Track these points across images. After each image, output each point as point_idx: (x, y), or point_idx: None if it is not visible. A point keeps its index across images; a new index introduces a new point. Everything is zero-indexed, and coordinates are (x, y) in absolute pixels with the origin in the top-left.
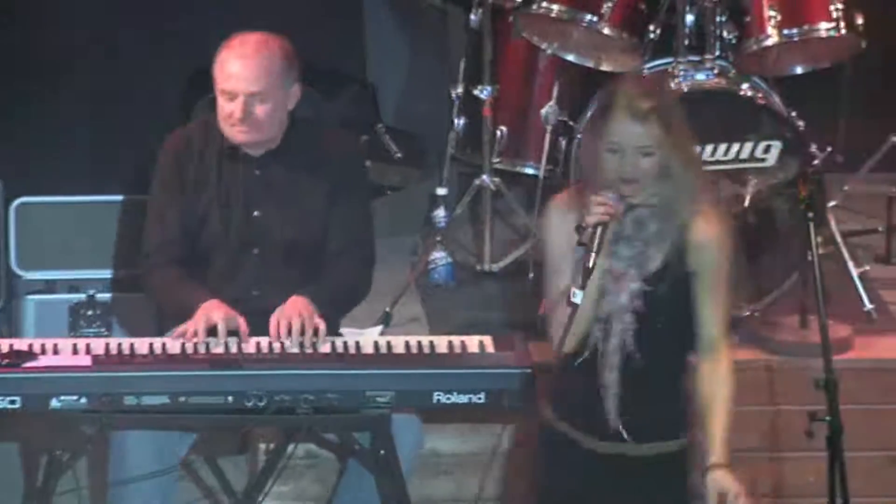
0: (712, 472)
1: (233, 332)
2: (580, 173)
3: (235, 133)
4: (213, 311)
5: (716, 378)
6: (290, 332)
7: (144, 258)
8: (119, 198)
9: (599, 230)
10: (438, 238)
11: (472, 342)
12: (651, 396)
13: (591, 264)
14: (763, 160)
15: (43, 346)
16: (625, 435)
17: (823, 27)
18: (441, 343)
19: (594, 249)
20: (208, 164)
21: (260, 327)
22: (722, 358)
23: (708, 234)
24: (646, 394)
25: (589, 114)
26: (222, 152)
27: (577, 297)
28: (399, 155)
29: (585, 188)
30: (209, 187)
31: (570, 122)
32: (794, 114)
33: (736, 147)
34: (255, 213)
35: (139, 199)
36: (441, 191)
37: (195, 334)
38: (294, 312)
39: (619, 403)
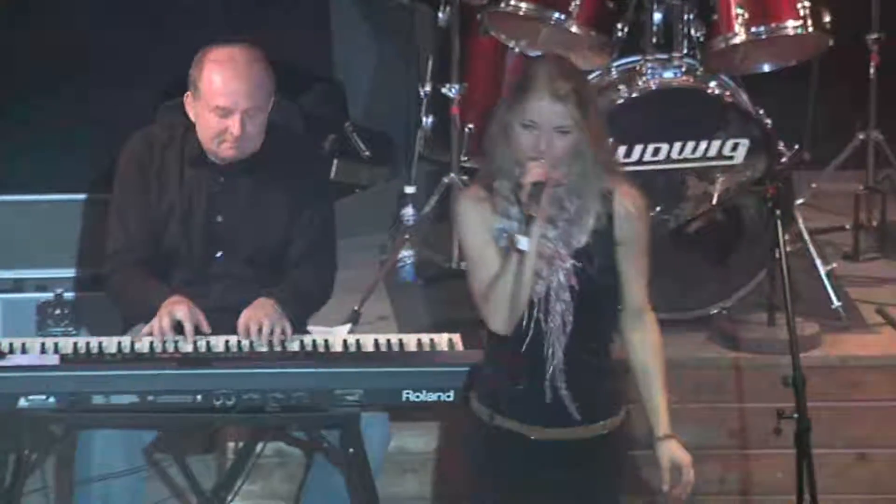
0: (663, 443)
1: (201, 332)
2: (488, 146)
3: (225, 149)
4: (176, 307)
5: (647, 347)
6: (259, 332)
7: (107, 259)
8: (83, 197)
9: (536, 188)
10: (407, 236)
11: (441, 340)
12: (594, 374)
13: (533, 213)
14: (731, 158)
15: (11, 345)
16: (577, 416)
17: (791, 25)
18: (410, 341)
19: (535, 203)
20: (170, 167)
21: (224, 331)
22: (649, 326)
23: (628, 205)
24: (589, 372)
25: (506, 87)
26: (184, 158)
27: (523, 243)
28: (367, 153)
29: (493, 179)
30: (171, 191)
31: None
32: (761, 112)
33: (704, 145)
34: (218, 219)
35: (104, 198)
36: (409, 189)
37: (161, 330)
38: (262, 313)
39: (566, 385)
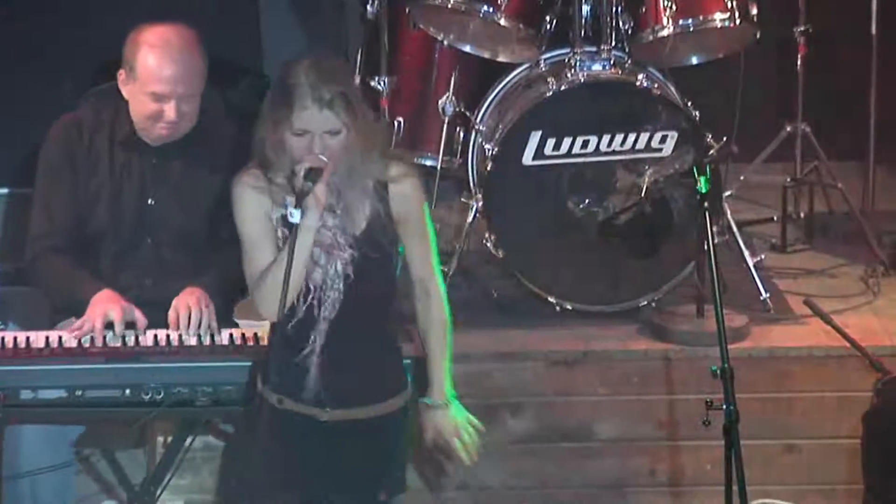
0: (429, 411)
1: (130, 324)
2: (259, 150)
3: (159, 129)
4: (110, 306)
5: (429, 318)
6: (189, 324)
7: (30, 244)
8: (6, 191)
9: (313, 174)
10: None
11: None
12: (372, 357)
13: (305, 188)
14: (659, 150)
15: None
16: (360, 397)
17: (718, 18)
18: None
19: (311, 185)
20: (99, 151)
21: (152, 316)
22: (434, 297)
23: (402, 187)
24: (367, 355)
25: (267, 101)
26: (114, 140)
27: (295, 215)
28: None
29: (267, 169)
30: (99, 174)
31: (468, 114)
32: (689, 104)
33: (632, 137)
34: (150, 202)
35: (27, 193)
36: None
37: (96, 332)
38: (192, 302)
39: (344, 368)
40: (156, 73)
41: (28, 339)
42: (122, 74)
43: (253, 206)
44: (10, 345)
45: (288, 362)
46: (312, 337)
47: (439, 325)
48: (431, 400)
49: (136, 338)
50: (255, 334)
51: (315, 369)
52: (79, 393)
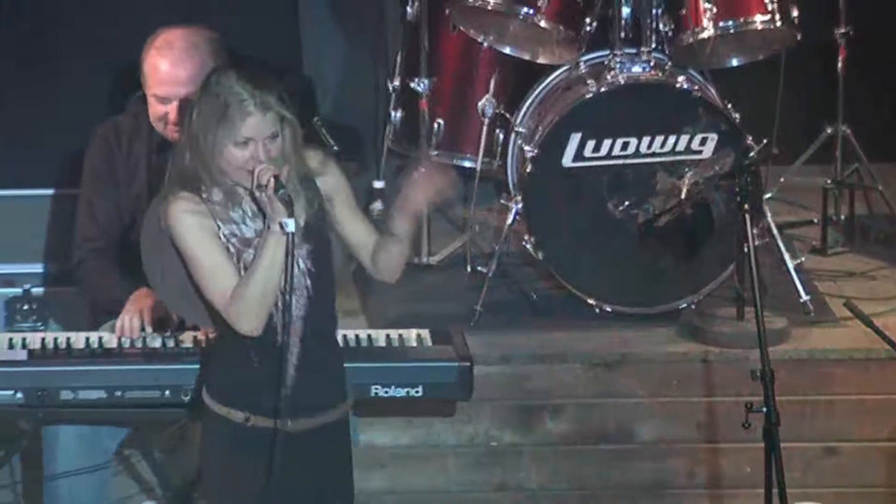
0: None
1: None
2: (191, 176)
3: (170, 132)
4: (143, 301)
5: (383, 247)
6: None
7: (76, 247)
8: (51, 192)
9: (278, 181)
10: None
11: (411, 335)
12: (331, 359)
13: (287, 196)
14: (699, 152)
15: None
16: (322, 403)
17: (759, 20)
18: (379, 336)
19: (283, 187)
20: (137, 156)
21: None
22: (381, 241)
23: (322, 164)
24: (326, 358)
25: (200, 123)
26: (151, 145)
27: (290, 225)
28: (336, 148)
29: (197, 189)
30: (139, 178)
31: (507, 115)
32: (729, 106)
33: (672, 139)
34: None
35: (72, 194)
36: (378, 184)
37: (131, 331)
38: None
39: (310, 373)
40: (158, 76)
41: (69, 339)
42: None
43: (201, 230)
44: (50, 346)
45: (259, 375)
46: (288, 342)
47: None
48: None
49: (177, 338)
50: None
51: (291, 376)
52: (118, 394)
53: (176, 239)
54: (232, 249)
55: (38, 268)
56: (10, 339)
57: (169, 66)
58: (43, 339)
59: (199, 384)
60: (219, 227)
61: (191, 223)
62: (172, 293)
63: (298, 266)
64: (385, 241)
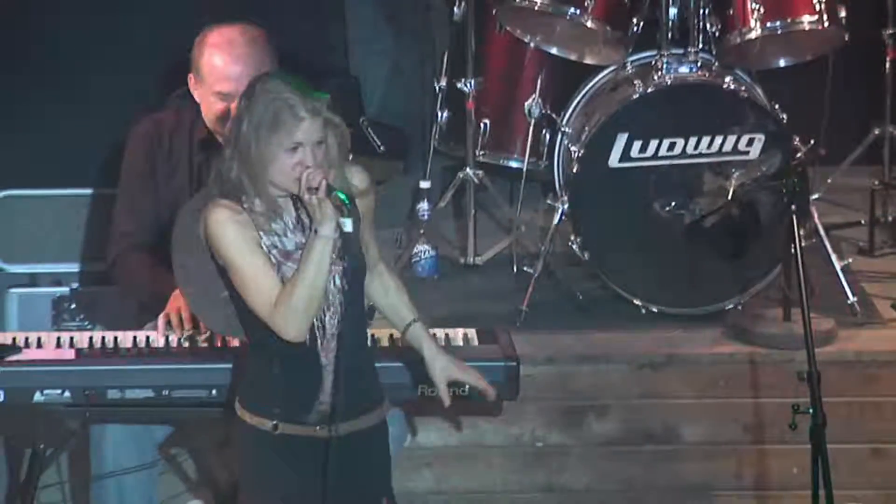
0: (435, 361)
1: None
2: (234, 185)
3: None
4: (182, 300)
5: (388, 290)
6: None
7: (114, 243)
8: (102, 191)
9: (325, 183)
10: (422, 231)
11: (457, 335)
12: (365, 366)
13: (345, 199)
14: (746, 153)
15: (26, 339)
16: (358, 409)
17: (806, 20)
18: None
19: (334, 189)
20: (178, 153)
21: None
22: (385, 274)
23: (365, 186)
24: (361, 364)
25: (250, 130)
26: (193, 143)
27: (348, 224)
28: (382, 148)
29: (237, 199)
30: (179, 175)
31: (554, 116)
32: (776, 107)
33: (719, 140)
34: None
35: (110, 193)
36: (424, 184)
37: (180, 326)
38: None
39: (346, 380)
40: (220, 72)
41: (116, 339)
42: (191, 79)
43: (244, 239)
44: (97, 345)
45: (288, 384)
46: (323, 353)
47: (402, 293)
48: (426, 354)
49: (224, 338)
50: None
51: (326, 386)
52: (166, 393)
53: (217, 247)
54: (272, 261)
55: (88, 267)
56: (58, 339)
57: (231, 62)
58: (90, 339)
59: (230, 393)
60: (260, 237)
61: (234, 232)
62: (197, 298)
63: (334, 282)
64: (393, 312)
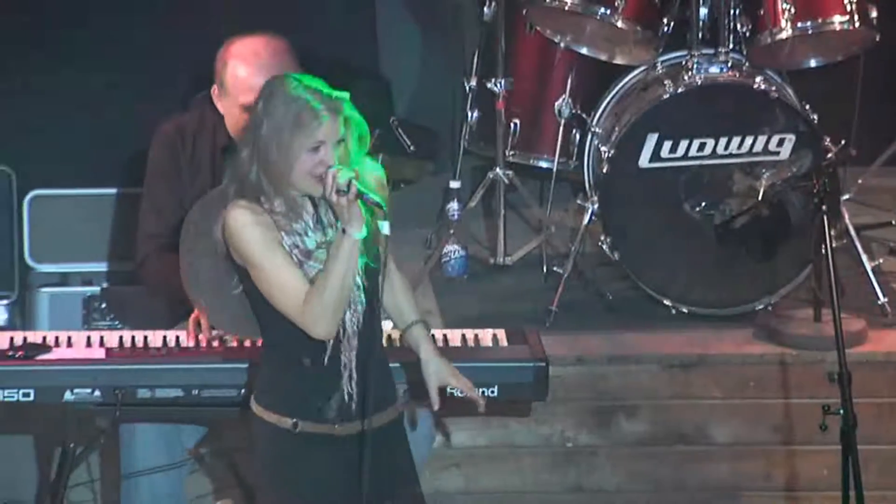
0: (429, 364)
1: None
2: (254, 186)
3: None
4: None
5: (394, 289)
6: None
7: (141, 244)
8: (132, 191)
9: (355, 184)
10: (452, 231)
11: (486, 335)
12: (381, 362)
13: (376, 199)
14: (776, 153)
15: (57, 338)
16: (376, 405)
17: (837, 20)
18: (454, 336)
19: (366, 192)
20: (201, 155)
21: None
22: (394, 271)
23: (380, 177)
24: (378, 360)
25: (265, 129)
26: (216, 146)
27: (385, 227)
28: (412, 148)
29: (255, 199)
30: (202, 178)
31: (584, 116)
32: (807, 107)
33: (749, 140)
34: None
35: (136, 193)
36: (454, 184)
37: (209, 328)
38: None
39: (364, 377)
40: (245, 83)
41: (146, 338)
42: (214, 90)
43: (267, 240)
44: (128, 344)
45: (309, 382)
46: (344, 351)
47: (407, 293)
48: (422, 355)
49: (254, 341)
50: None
51: (347, 383)
52: (195, 392)
53: (239, 248)
54: (294, 260)
55: (118, 266)
56: (88, 338)
57: (255, 73)
58: (120, 338)
59: (246, 393)
60: (281, 238)
61: (258, 233)
62: (206, 298)
63: (356, 280)
64: (396, 311)
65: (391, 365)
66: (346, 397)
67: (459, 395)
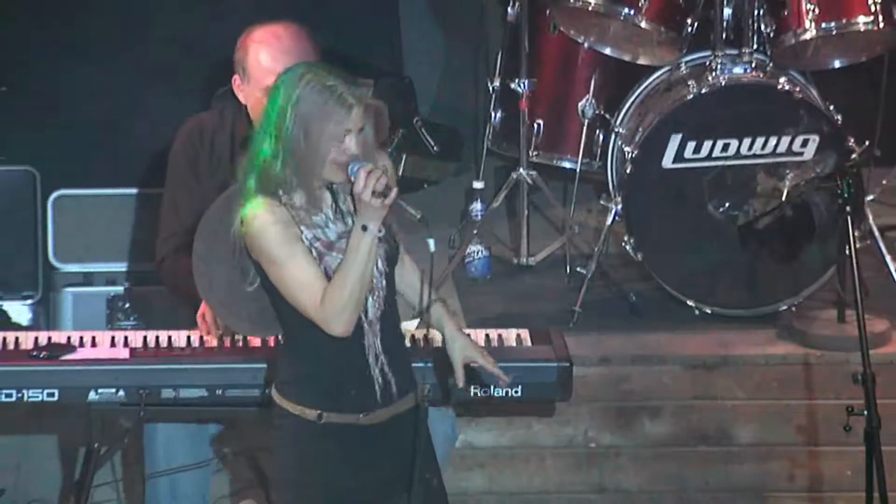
0: (454, 342)
1: None
2: (276, 182)
3: None
4: None
5: (405, 270)
6: None
7: (160, 245)
8: (156, 191)
9: (395, 191)
10: (475, 231)
11: (510, 335)
12: (402, 349)
13: (418, 213)
14: (800, 154)
15: (81, 338)
16: (397, 392)
17: (861, 21)
18: (478, 336)
19: (401, 206)
20: (220, 151)
21: None
22: (405, 255)
23: (388, 168)
24: (399, 347)
25: (291, 121)
26: (235, 141)
27: (432, 244)
28: (436, 148)
29: (275, 194)
30: (222, 174)
31: (607, 116)
32: (831, 108)
33: (773, 141)
34: None
35: (157, 193)
36: (478, 184)
37: (215, 324)
38: None
39: (388, 366)
40: (268, 67)
41: (170, 338)
42: (236, 79)
43: (287, 239)
44: (152, 344)
45: (334, 373)
46: (366, 338)
47: (417, 272)
48: (446, 334)
49: (277, 337)
50: (426, 335)
51: (370, 371)
52: (219, 392)
53: (258, 246)
54: (314, 253)
55: (142, 266)
56: (113, 338)
57: (278, 56)
58: (145, 338)
59: (266, 385)
60: (301, 232)
61: (278, 231)
62: (222, 302)
63: (377, 267)
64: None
65: (415, 365)
66: (370, 384)
67: (482, 394)
